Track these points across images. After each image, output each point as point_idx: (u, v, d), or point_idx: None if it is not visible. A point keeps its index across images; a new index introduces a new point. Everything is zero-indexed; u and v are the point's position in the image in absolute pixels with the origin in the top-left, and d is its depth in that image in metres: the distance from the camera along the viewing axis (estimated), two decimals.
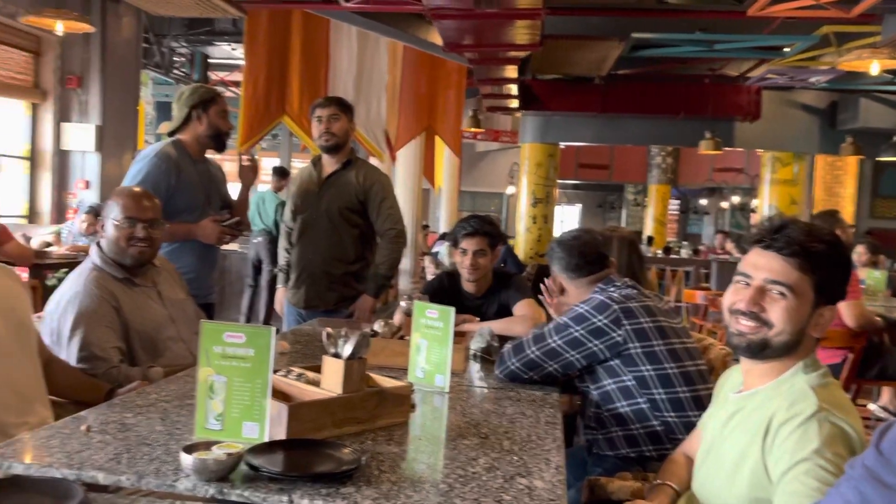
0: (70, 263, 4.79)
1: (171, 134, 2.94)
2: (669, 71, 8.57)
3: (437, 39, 6.07)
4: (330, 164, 3.18)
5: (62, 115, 6.81)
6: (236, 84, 12.51)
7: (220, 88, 12.95)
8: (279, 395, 1.45)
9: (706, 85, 8.74)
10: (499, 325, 2.47)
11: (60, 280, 5.01)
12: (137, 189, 2.32)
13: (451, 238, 2.72)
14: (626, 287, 2.05)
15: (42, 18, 5.42)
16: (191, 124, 2.91)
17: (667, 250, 12.71)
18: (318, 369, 1.54)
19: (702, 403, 1.84)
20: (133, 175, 2.77)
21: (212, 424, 1.31)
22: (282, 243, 3.33)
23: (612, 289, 2.03)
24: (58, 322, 2.08)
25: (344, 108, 3.15)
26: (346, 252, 3.16)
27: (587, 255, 2.12)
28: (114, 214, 2.20)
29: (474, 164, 18.81)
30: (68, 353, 2.04)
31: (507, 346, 2.05)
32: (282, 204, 7.13)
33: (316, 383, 1.49)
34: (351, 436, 1.39)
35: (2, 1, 5.88)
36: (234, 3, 6.65)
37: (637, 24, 6.57)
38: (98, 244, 2.23)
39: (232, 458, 1.13)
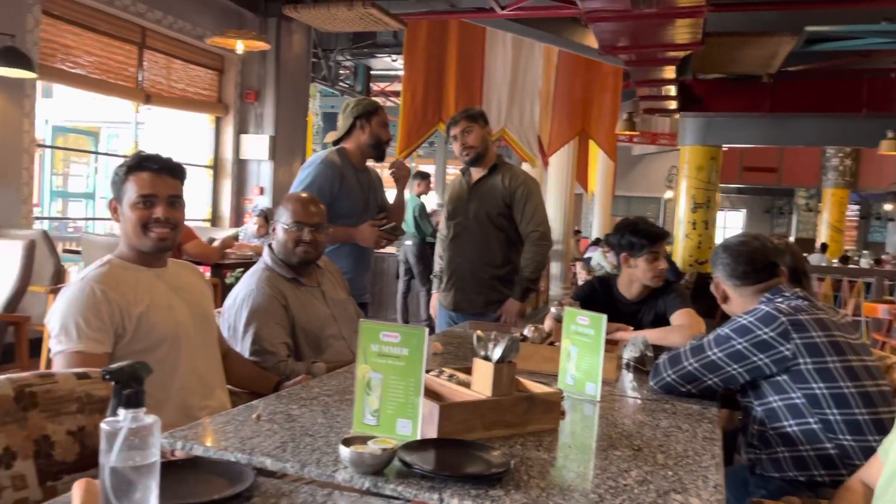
0: (245, 263, 5.19)
1: (336, 143, 3.12)
2: (848, 65, 7.88)
3: (593, 42, 5.96)
4: (477, 171, 3.24)
5: (241, 127, 7.40)
6: (396, 94, 13.00)
7: (380, 99, 13.53)
8: (431, 394, 1.49)
9: (892, 80, 7.96)
10: (654, 335, 2.39)
11: (237, 279, 5.44)
12: (305, 195, 2.47)
13: (631, 244, 2.62)
14: (797, 298, 1.91)
15: (225, 39, 5.94)
16: (354, 133, 3.07)
17: (844, 259, 11.71)
18: (469, 371, 1.56)
19: (883, 427, 1.68)
20: (301, 181, 2.96)
21: (368, 419, 1.37)
22: (437, 249, 3.43)
23: (779, 299, 1.91)
24: (234, 318, 2.26)
25: (473, 118, 3.20)
26: (494, 256, 3.20)
27: (755, 263, 2.00)
28: (284, 219, 2.36)
29: (630, 167, 18.31)
30: (242, 347, 2.21)
31: (663, 357, 1.98)
32: (420, 206, 7.32)
33: (467, 385, 1.51)
34: (499, 439, 1.40)
35: (191, 25, 6.49)
36: (395, 17, 6.90)
37: (812, 16, 6.10)
38: (269, 246, 2.40)
39: (386, 453, 1.17)
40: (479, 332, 1.52)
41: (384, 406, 1.36)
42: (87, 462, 1.43)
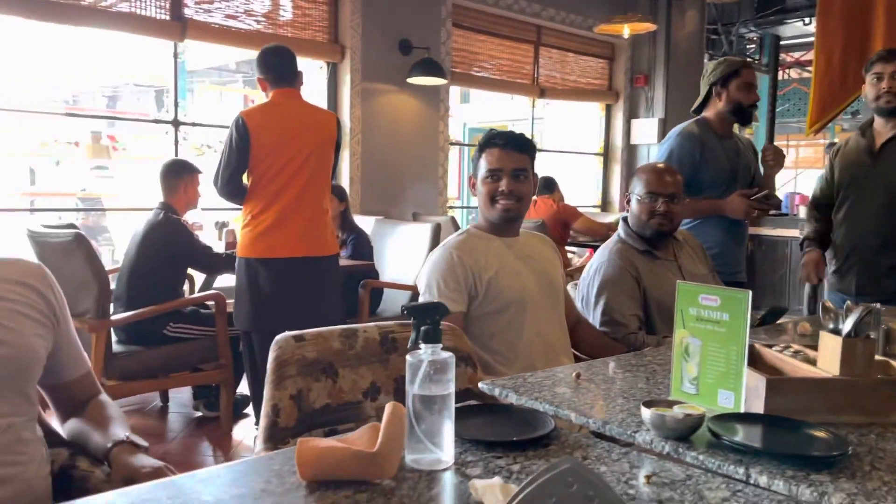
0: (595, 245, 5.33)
1: (696, 112, 2.96)
2: None
3: None
4: (885, 130, 2.73)
5: (631, 113, 7.43)
6: (810, 63, 11.65)
7: (795, 71, 12.25)
8: (769, 368, 1.33)
9: None
10: None
11: None
12: (661, 165, 2.40)
13: None
14: None
15: (612, 25, 6.02)
16: (711, 101, 2.90)
17: None
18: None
19: None
20: (660, 155, 2.90)
21: (687, 387, 1.28)
22: (809, 213, 3.02)
23: None
24: (586, 288, 2.30)
25: None
26: None
27: None
28: (637, 189, 2.32)
29: None
30: (593, 317, 2.24)
31: None
32: None
33: (813, 362, 1.31)
34: (851, 426, 1.19)
35: (582, 17, 6.72)
36: None
37: None
38: (624, 219, 2.39)
39: (691, 419, 1.09)
40: (826, 301, 1.31)
41: (703, 374, 1.25)
42: None
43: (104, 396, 1.44)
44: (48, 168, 9.68)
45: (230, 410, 3.51)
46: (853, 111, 11.59)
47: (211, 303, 3.45)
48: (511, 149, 1.99)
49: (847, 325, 1.23)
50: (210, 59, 10.44)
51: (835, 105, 7.27)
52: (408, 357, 1.06)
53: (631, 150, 7.48)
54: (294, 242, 3.06)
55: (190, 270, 3.77)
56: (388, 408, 1.04)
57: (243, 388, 3.71)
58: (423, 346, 1.06)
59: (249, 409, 3.74)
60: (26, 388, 1.25)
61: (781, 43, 11.04)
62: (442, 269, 1.93)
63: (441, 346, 1.06)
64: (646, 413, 1.12)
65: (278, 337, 1.50)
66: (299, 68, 3.19)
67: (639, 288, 2.24)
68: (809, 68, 11.91)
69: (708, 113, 2.92)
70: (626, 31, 6.03)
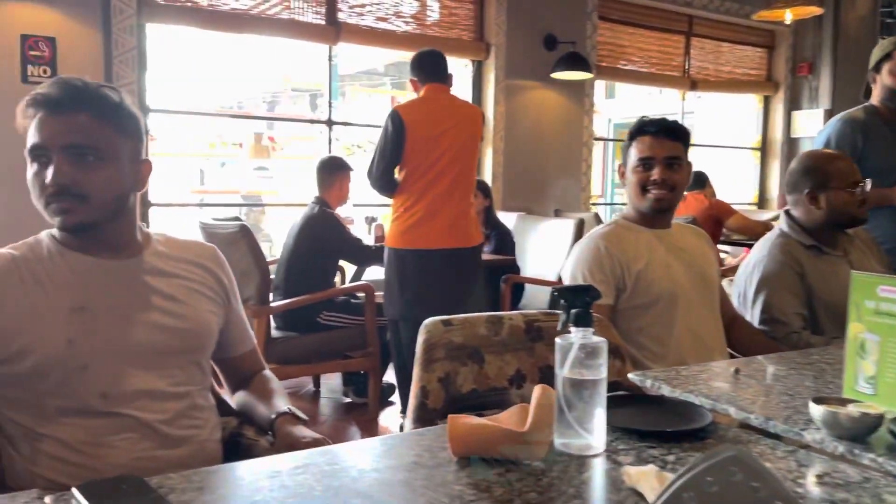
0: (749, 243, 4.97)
1: (865, 97, 2.76)
2: None
3: None
4: None
5: (792, 104, 6.96)
6: None
7: None
8: None
9: None
10: None
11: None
12: (832, 152, 2.22)
13: None
14: None
15: (773, 11, 5.65)
16: (876, 84, 2.69)
17: None
18: None
19: None
20: (817, 143, 2.72)
21: (862, 387, 1.18)
22: None
23: None
24: (744, 285, 2.17)
25: None
26: None
27: None
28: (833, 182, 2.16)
29: None
30: (752, 315, 2.11)
31: None
32: None
33: None
34: None
35: (738, 4, 6.37)
36: None
37: None
38: (786, 212, 2.23)
39: (869, 418, 1.00)
40: None
41: (882, 373, 1.15)
42: None
43: (268, 372, 1.53)
44: (215, 168, 10.48)
45: (377, 397, 3.64)
46: None
47: (361, 293, 3.59)
48: (663, 136, 1.93)
49: None
50: (360, 62, 10.87)
51: None
52: (557, 340, 1.05)
53: (791, 144, 7.00)
54: (442, 235, 3.13)
55: (341, 263, 3.94)
56: (536, 390, 1.03)
57: (389, 376, 3.84)
58: (573, 329, 1.04)
59: (395, 398, 3.86)
60: (201, 360, 1.35)
61: None
62: (588, 260, 1.90)
63: (592, 329, 1.04)
64: (816, 410, 1.04)
65: (426, 321, 1.53)
66: (449, 70, 3.27)
67: (803, 284, 2.09)
68: None
69: (874, 99, 2.73)
70: (789, 16, 5.63)
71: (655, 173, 1.91)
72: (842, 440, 1.01)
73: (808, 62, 6.85)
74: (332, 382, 4.19)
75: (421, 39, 4.93)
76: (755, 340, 2.05)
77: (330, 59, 5.16)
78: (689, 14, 6.30)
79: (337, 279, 4.02)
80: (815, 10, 5.62)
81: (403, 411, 3.45)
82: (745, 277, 2.19)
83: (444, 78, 3.23)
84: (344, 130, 7.64)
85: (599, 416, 1.02)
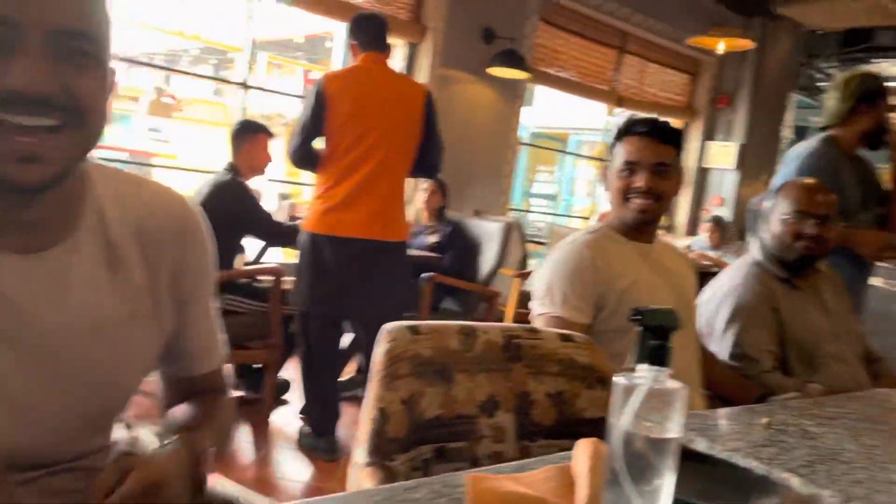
0: (701, 273, 4.91)
1: (823, 129, 2.64)
2: None
3: None
4: None
5: (708, 134, 7.07)
6: (892, 109, 11.17)
7: None
8: None
9: None
10: None
11: None
12: (811, 181, 2.08)
13: None
14: None
15: (707, 38, 5.67)
16: (855, 118, 2.57)
17: None
18: None
19: None
20: (784, 176, 2.55)
21: None
22: None
23: None
24: (713, 312, 1.99)
25: None
26: None
27: None
28: (782, 208, 2.01)
29: None
30: (720, 347, 1.93)
31: None
32: None
33: None
34: None
35: (671, 27, 6.39)
36: None
37: None
38: (760, 240, 2.08)
39: None
40: None
41: None
42: (563, 430, 1.33)
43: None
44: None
45: (273, 394, 3.26)
46: None
47: (267, 277, 3.21)
48: (653, 138, 1.70)
49: None
50: (274, 32, 10.28)
51: None
52: (618, 379, 0.78)
53: (703, 174, 7.12)
54: (363, 224, 2.80)
55: (243, 241, 3.53)
56: (585, 446, 0.76)
57: (283, 372, 3.47)
58: (643, 367, 0.77)
59: (289, 396, 3.50)
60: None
61: None
62: (569, 269, 1.64)
63: (669, 371, 0.77)
64: None
65: (390, 326, 1.22)
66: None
67: (777, 320, 1.93)
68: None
69: (842, 130, 2.60)
70: (722, 45, 5.69)
71: (639, 180, 1.68)
72: None
73: (727, 95, 6.98)
74: None
75: (352, 9, 4.55)
76: (724, 376, 1.87)
77: (249, 17, 4.71)
78: (624, 30, 6.25)
79: (238, 259, 3.60)
80: (747, 44, 5.70)
81: (303, 413, 3.10)
82: (714, 304, 2.01)
83: (384, 47, 2.90)
84: (257, 99, 7.12)
85: (668, 487, 0.76)
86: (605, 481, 0.74)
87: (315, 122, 2.76)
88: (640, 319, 0.76)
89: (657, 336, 0.77)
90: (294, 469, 2.86)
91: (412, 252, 3.66)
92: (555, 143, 11.61)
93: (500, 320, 4.62)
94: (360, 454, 1.11)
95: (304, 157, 2.82)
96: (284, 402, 3.50)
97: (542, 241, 6.08)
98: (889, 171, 2.69)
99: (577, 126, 11.05)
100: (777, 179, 2.67)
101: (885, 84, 2.61)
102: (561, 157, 12.15)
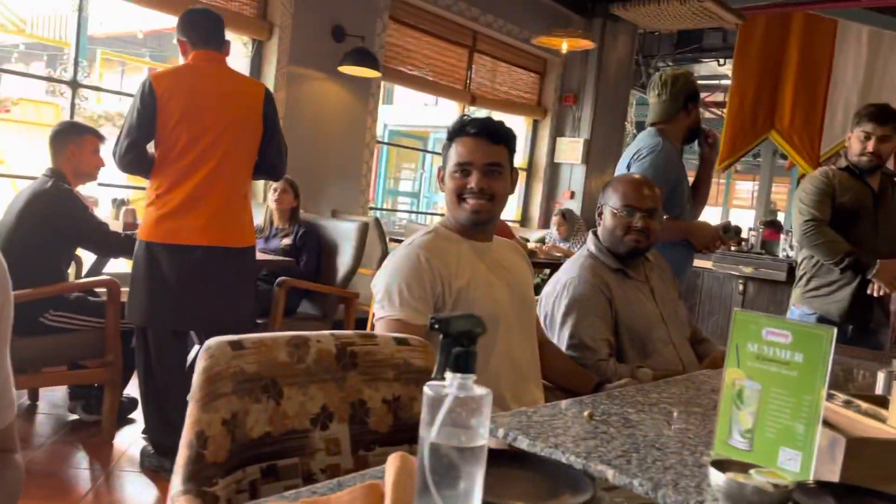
0: (553, 264, 5.07)
1: (653, 124, 2.80)
2: None
3: None
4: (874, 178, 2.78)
5: (558, 131, 7.35)
6: (717, 105, 12.10)
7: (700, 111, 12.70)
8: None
9: None
10: None
11: (543, 280, 5.35)
12: (638, 176, 2.19)
13: None
14: None
15: (552, 38, 5.88)
16: (681, 115, 2.77)
17: None
18: (873, 399, 1.15)
19: None
20: (643, 170, 2.69)
21: (736, 441, 1.04)
22: (828, 231, 2.94)
23: None
24: (552, 305, 2.05)
25: None
26: None
27: None
28: (612, 202, 2.10)
29: None
30: (559, 338, 1.99)
31: None
32: None
33: (876, 418, 1.10)
34: None
35: (518, 28, 6.57)
36: (734, 11, 6.31)
37: None
38: (594, 233, 2.16)
39: (779, 491, 0.84)
40: None
41: (761, 427, 1.02)
42: (399, 436, 1.31)
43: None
44: None
45: (114, 415, 3.04)
46: (754, 153, 12.11)
47: (102, 290, 2.98)
48: (485, 138, 1.70)
49: None
50: (115, 26, 9.65)
51: (744, 145, 7.50)
52: (426, 389, 0.76)
53: (554, 169, 7.39)
54: (201, 230, 2.67)
55: (79, 251, 3.27)
56: (394, 461, 0.73)
57: (130, 389, 3.26)
58: (449, 375, 0.76)
59: (136, 415, 3.28)
60: None
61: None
62: (406, 272, 1.63)
63: (474, 377, 0.77)
64: (719, 478, 0.86)
65: (210, 342, 1.15)
66: (226, 39, 2.82)
67: (611, 310, 2.01)
68: (714, 109, 12.41)
69: (670, 127, 2.77)
70: (565, 45, 5.92)
71: (473, 180, 1.69)
72: None
73: (573, 93, 7.28)
74: (54, 395, 3.47)
75: (191, 3, 4.34)
76: (564, 367, 1.92)
77: (80, 10, 4.38)
78: (473, 29, 6.37)
79: (71, 271, 3.34)
80: (588, 44, 5.96)
81: (145, 432, 2.91)
82: (553, 298, 2.07)
83: (219, 45, 2.76)
84: (92, 99, 6.63)
85: (476, 496, 0.75)
86: (413, 493, 0.73)
87: (144, 124, 2.60)
88: (439, 328, 0.75)
89: (461, 343, 0.76)
90: (138, 492, 2.68)
91: (266, 256, 3.54)
92: (415, 142, 11.69)
93: (364, 321, 4.58)
94: (175, 482, 1.04)
95: (134, 161, 2.64)
96: (131, 422, 3.28)
97: (403, 239, 6.08)
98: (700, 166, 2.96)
99: (437, 124, 11.18)
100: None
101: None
102: (423, 156, 12.25)
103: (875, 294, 2.75)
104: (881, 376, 1.37)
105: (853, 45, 7.11)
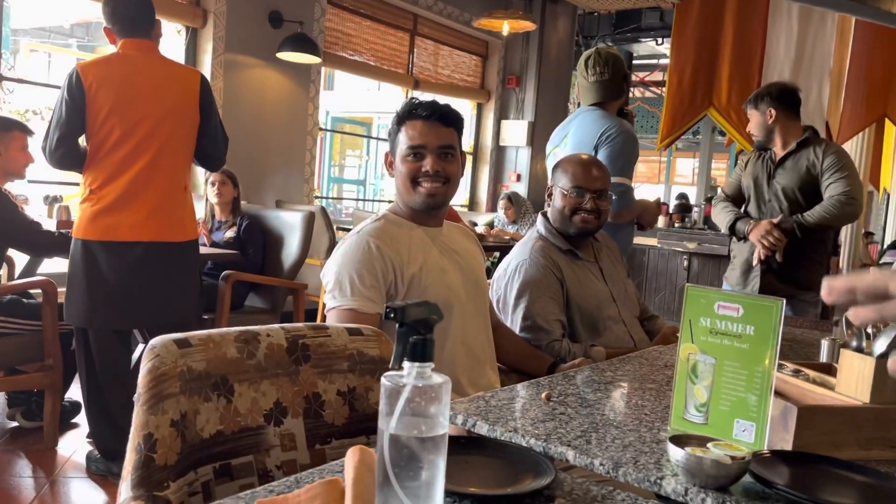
0: (503, 247, 5.09)
1: (598, 104, 2.79)
2: None
3: None
4: (780, 149, 3.01)
5: (502, 114, 7.36)
6: (657, 84, 12.31)
7: (639, 90, 12.88)
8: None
9: None
10: None
11: (494, 263, 5.36)
12: (586, 156, 2.20)
13: None
14: None
15: (492, 20, 5.86)
16: (622, 95, 2.84)
17: None
18: (819, 367, 1.17)
19: None
20: (619, 153, 2.68)
21: (692, 415, 1.05)
22: (724, 203, 3.14)
23: None
24: (504, 288, 2.05)
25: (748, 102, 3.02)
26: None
27: None
28: (561, 183, 2.10)
29: None
30: (512, 321, 1.99)
31: None
32: None
33: (824, 385, 1.13)
34: (881, 462, 1.01)
35: (459, 10, 6.54)
36: None
37: None
38: (544, 213, 2.16)
39: (737, 463, 0.85)
40: (849, 313, 1.13)
41: (716, 400, 1.03)
42: (356, 428, 1.28)
43: None
44: None
45: (56, 420, 2.93)
46: (694, 131, 12.37)
47: (37, 291, 2.86)
48: (436, 121, 1.68)
49: (880, 345, 1.05)
50: (40, 17, 9.25)
51: (685, 122, 7.64)
52: (383, 380, 0.74)
53: (500, 152, 7.41)
54: (141, 225, 2.58)
55: (10, 252, 3.13)
56: (353, 455, 0.71)
57: (72, 392, 3.14)
58: (406, 364, 0.74)
59: (79, 419, 3.17)
60: None
61: (633, 61, 11.53)
62: (357, 261, 1.60)
63: (432, 366, 0.75)
64: (678, 453, 0.87)
65: (155, 341, 1.11)
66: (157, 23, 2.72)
67: (562, 290, 2.02)
68: (654, 88, 12.63)
69: (609, 106, 2.80)
70: (506, 27, 5.91)
71: (428, 163, 1.67)
72: (708, 490, 0.85)
73: (516, 75, 7.29)
74: None
75: None
76: (518, 349, 1.93)
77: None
78: (414, 13, 6.31)
79: (3, 273, 3.20)
80: (529, 25, 5.97)
81: (90, 436, 2.82)
82: (505, 281, 2.06)
83: (148, 32, 2.65)
84: (17, 92, 6.34)
85: (439, 485, 0.74)
86: (374, 486, 0.71)
87: (73, 117, 2.48)
88: (394, 317, 0.73)
89: (418, 331, 0.74)
90: (84, 499, 2.59)
91: (210, 250, 3.45)
92: (359, 129, 11.56)
93: (313, 312, 4.53)
94: (124, 489, 1.00)
95: (65, 156, 2.53)
96: (74, 426, 3.17)
97: (351, 227, 6.01)
98: None
99: (381, 110, 11.08)
100: (612, 157, 2.73)
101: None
102: (367, 142, 12.13)
103: (755, 261, 2.85)
104: (825, 344, 1.41)
105: (784, 21, 7.29)
